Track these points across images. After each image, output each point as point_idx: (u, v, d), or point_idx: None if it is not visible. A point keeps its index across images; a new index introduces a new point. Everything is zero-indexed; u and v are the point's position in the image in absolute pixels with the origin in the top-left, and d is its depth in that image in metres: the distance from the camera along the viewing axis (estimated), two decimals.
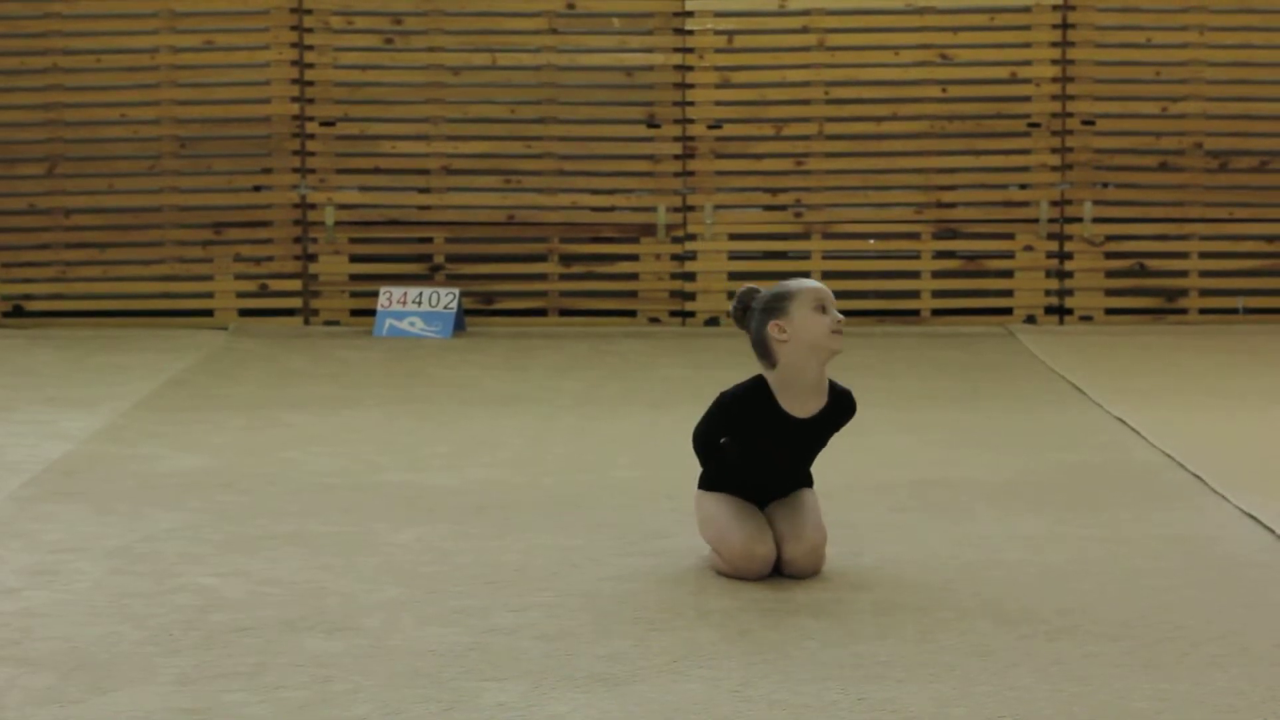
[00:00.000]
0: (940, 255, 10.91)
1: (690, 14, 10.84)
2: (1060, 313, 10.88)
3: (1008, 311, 10.90)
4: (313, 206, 10.90)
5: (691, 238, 10.91)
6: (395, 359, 9.62)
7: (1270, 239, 10.88)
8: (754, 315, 5.29)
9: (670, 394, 8.49)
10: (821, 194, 10.89)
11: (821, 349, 5.22)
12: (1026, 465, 6.84)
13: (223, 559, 5.47)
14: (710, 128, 10.89)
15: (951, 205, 10.89)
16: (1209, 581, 5.21)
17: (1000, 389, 8.63)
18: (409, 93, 10.89)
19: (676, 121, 10.89)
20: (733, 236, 10.94)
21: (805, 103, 10.87)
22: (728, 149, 10.91)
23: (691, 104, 10.88)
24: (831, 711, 4.12)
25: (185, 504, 6.19)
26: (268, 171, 10.90)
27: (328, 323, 10.91)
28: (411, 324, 10.48)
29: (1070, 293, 10.89)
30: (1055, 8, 10.79)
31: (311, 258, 10.92)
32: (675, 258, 10.92)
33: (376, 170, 10.92)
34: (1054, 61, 10.82)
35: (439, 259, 10.91)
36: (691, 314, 10.92)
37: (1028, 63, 10.83)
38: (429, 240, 10.92)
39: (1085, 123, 10.84)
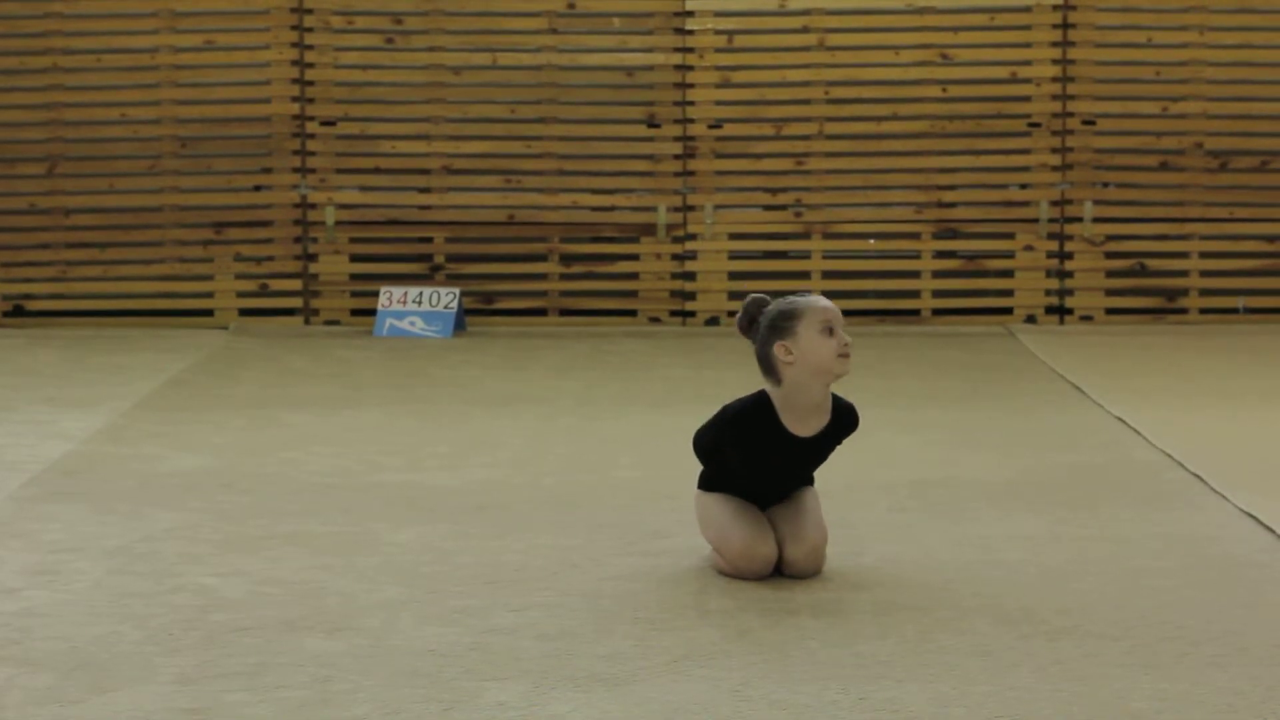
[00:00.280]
0: (940, 255, 10.92)
1: (690, 14, 10.84)
2: (1060, 313, 10.88)
3: (1008, 311, 10.90)
4: (313, 206, 10.90)
5: (692, 237, 10.91)
6: (395, 359, 9.62)
7: (1270, 239, 10.88)
8: (760, 330, 5.24)
9: (670, 394, 8.49)
10: (822, 194, 10.90)
11: (827, 373, 5.19)
12: (1026, 465, 6.83)
13: (223, 559, 5.47)
14: (710, 127, 10.89)
15: (952, 205, 10.89)
16: (1209, 581, 5.21)
17: (1000, 389, 8.63)
18: (409, 92, 10.90)
19: (677, 121, 10.89)
20: (733, 236, 10.94)
21: (805, 102, 10.88)
22: (728, 149, 10.91)
23: (692, 104, 10.88)
24: (831, 711, 4.12)
25: (185, 504, 6.19)
26: (268, 171, 10.90)
27: (328, 322, 10.91)
28: (412, 324, 10.48)
29: (1070, 293, 10.89)
30: (1055, 8, 10.79)
31: (312, 257, 10.92)
32: (675, 257, 10.92)
33: (377, 170, 10.92)
34: (1054, 61, 10.82)
35: (439, 259, 10.91)
36: (692, 314, 10.92)
37: (1028, 63, 10.83)
38: (429, 240, 10.93)
39: (1085, 123, 10.84)
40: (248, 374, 9.13)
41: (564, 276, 10.92)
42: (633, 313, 10.92)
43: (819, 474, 5.44)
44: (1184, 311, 10.87)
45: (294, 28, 10.85)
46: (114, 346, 10.00)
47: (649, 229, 10.91)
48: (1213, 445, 7.08)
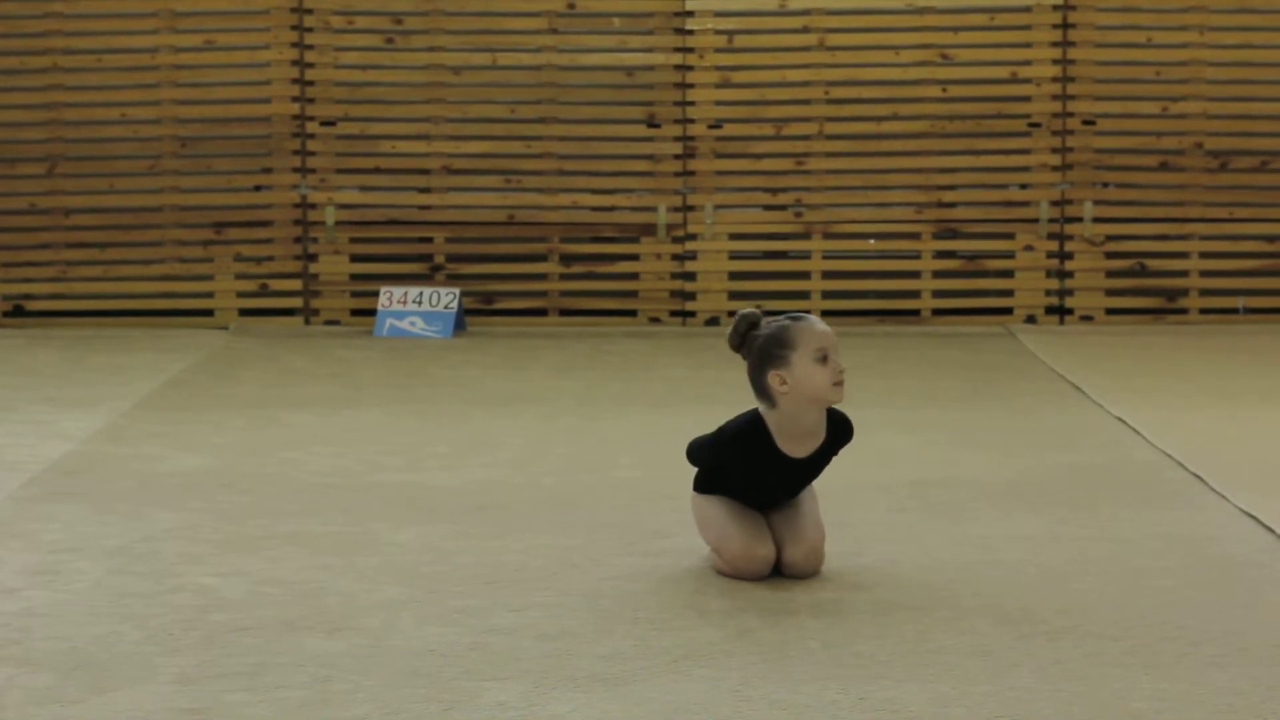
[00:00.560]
0: (940, 255, 10.92)
1: (690, 14, 10.84)
2: (1060, 313, 10.88)
3: (1008, 311, 10.90)
4: (313, 206, 10.90)
5: (692, 237, 10.91)
6: (396, 359, 9.62)
7: (1271, 239, 10.88)
8: (753, 353, 5.21)
9: (671, 394, 8.49)
10: (822, 194, 10.89)
11: (822, 401, 5.19)
12: (1026, 465, 6.83)
13: (223, 559, 5.47)
14: (710, 127, 10.89)
15: (952, 205, 10.89)
16: (1209, 581, 5.21)
17: (1000, 389, 8.63)
18: (409, 92, 10.89)
19: (677, 121, 10.89)
20: (733, 236, 10.94)
21: (805, 102, 10.88)
22: (728, 149, 10.91)
23: (692, 104, 10.88)
24: (831, 711, 4.12)
25: (185, 504, 6.19)
26: (268, 171, 10.90)
27: (328, 322, 10.91)
28: (412, 324, 10.48)
29: (1070, 293, 10.89)
30: (1056, 8, 10.79)
31: (312, 257, 10.92)
32: (675, 257, 10.92)
33: (377, 170, 10.92)
34: (1054, 61, 10.82)
35: (439, 259, 10.91)
36: (692, 314, 10.92)
37: (1028, 63, 10.83)
38: (429, 240, 10.93)
39: (1085, 123, 10.84)
40: (248, 374, 9.13)
41: (564, 276, 10.92)
42: (633, 313, 10.92)
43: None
44: (1184, 311, 10.87)
45: (294, 28, 10.85)
46: (114, 346, 10.00)
47: (649, 229, 10.91)
48: (1213, 445, 7.08)
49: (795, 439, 5.20)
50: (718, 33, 10.86)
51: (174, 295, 10.92)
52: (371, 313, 10.70)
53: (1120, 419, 7.69)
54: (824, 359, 5.12)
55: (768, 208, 10.95)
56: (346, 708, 4.14)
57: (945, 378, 8.97)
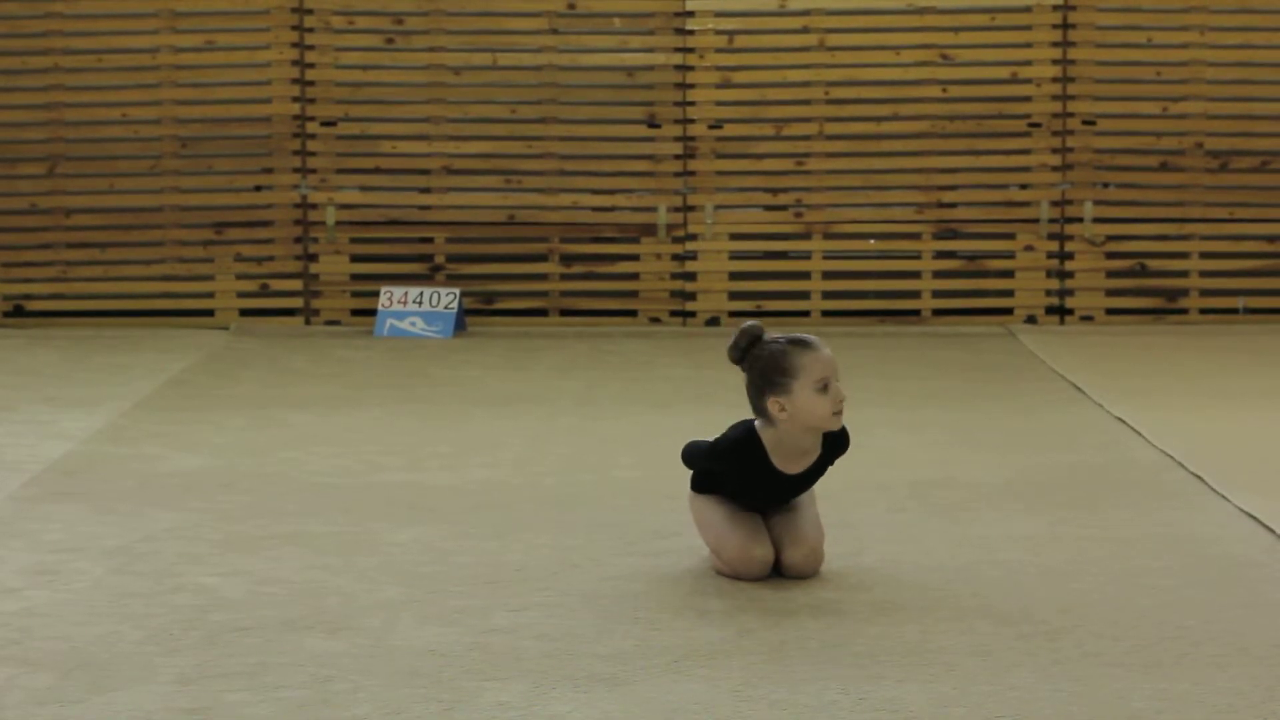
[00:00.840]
0: (941, 255, 10.91)
1: (691, 14, 10.84)
2: (1061, 313, 10.88)
3: (1008, 311, 10.90)
4: (313, 206, 10.90)
5: (692, 238, 10.91)
6: (396, 359, 9.63)
7: (1271, 239, 10.88)
8: (753, 374, 5.18)
9: (671, 394, 8.49)
10: (822, 194, 10.89)
11: (820, 429, 5.19)
12: (1026, 465, 6.83)
13: (223, 559, 5.47)
14: (711, 128, 10.89)
15: (952, 205, 10.89)
16: (1209, 581, 5.21)
17: (1000, 389, 8.63)
18: (410, 93, 10.90)
19: (677, 121, 10.89)
20: (733, 236, 10.94)
21: (806, 103, 10.88)
22: (728, 149, 10.91)
23: (692, 104, 10.88)
24: (831, 711, 4.12)
25: (185, 504, 6.19)
26: (268, 171, 10.90)
27: (328, 322, 10.91)
28: (412, 324, 10.48)
29: (1071, 293, 10.89)
30: (1056, 8, 10.79)
31: (312, 257, 10.92)
32: (676, 258, 10.92)
33: (377, 170, 10.92)
34: (1055, 61, 10.82)
35: (440, 259, 10.91)
36: (692, 314, 10.92)
37: (1028, 63, 10.83)
38: (430, 240, 10.93)
39: (1086, 123, 10.84)
40: (248, 374, 9.13)
41: (564, 277, 10.93)
42: (633, 313, 10.92)
43: None
44: (1184, 312, 10.87)
45: (294, 28, 10.85)
46: (114, 346, 10.00)
47: (649, 229, 10.91)
48: (1213, 445, 7.08)
49: (790, 457, 5.21)
50: (718, 33, 10.86)
51: (174, 295, 10.92)
52: (372, 313, 10.70)
53: (1120, 419, 7.69)
54: (825, 388, 5.11)
55: (768, 208, 10.95)
56: (346, 708, 4.14)
57: (945, 378, 8.97)
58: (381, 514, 6.06)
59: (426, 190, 10.92)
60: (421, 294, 10.55)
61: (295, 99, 10.86)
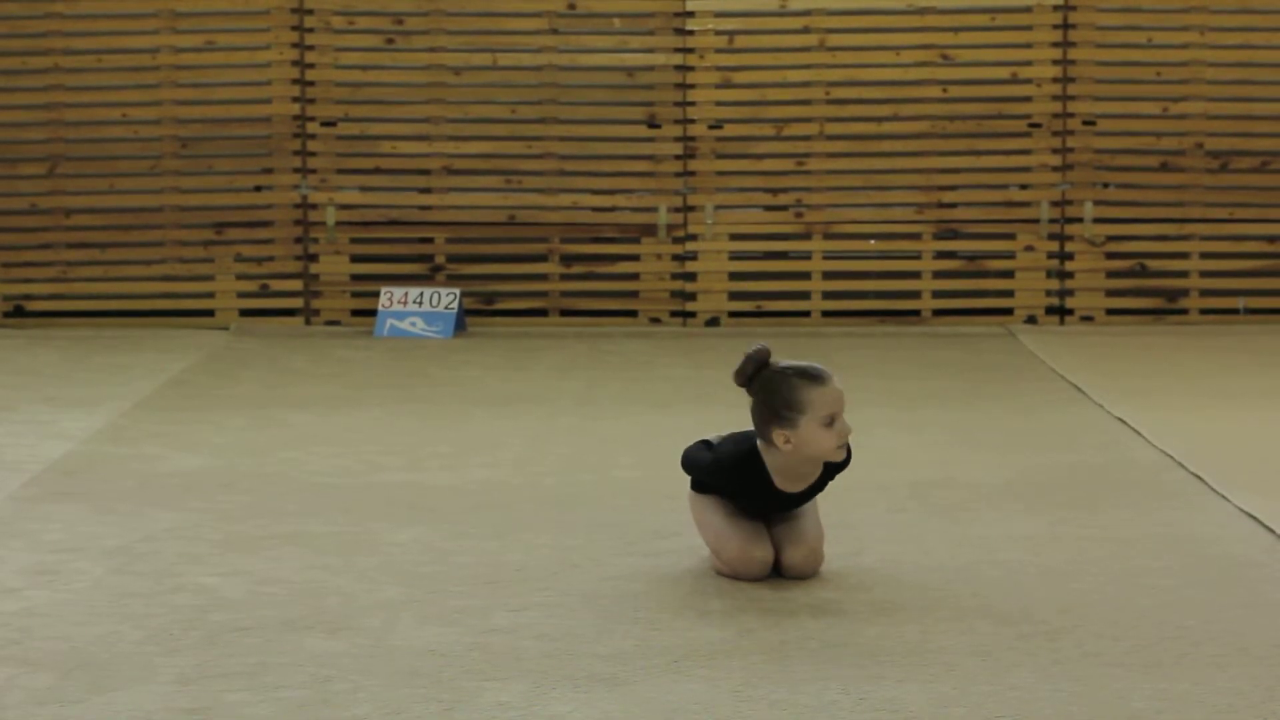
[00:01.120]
0: (941, 255, 10.91)
1: (691, 14, 10.84)
2: (1061, 313, 10.88)
3: (1008, 312, 10.90)
4: (314, 206, 10.90)
5: (692, 238, 10.91)
6: (396, 359, 9.63)
7: (1271, 239, 10.88)
8: (760, 398, 5.14)
9: (671, 394, 8.49)
10: (822, 194, 10.89)
11: (822, 461, 5.20)
12: (1026, 465, 6.83)
13: (223, 559, 5.47)
14: (711, 128, 10.89)
15: (952, 205, 10.89)
16: (1209, 581, 5.21)
17: (1000, 389, 8.63)
18: (410, 93, 10.90)
19: (677, 121, 10.89)
20: (734, 237, 10.94)
21: (806, 103, 10.88)
22: (728, 149, 10.91)
23: (692, 104, 10.88)
24: (831, 711, 4.12)
25: (185, 504, 6.19)
26: (269, 171, 10.90)
27: (329, 323, 10.91)
28: (412, 324, 10.48)
29: (1071, 293, 10.89)
30: (1056, 8, 10.79)
31: (312, 258, 10.92)
32: (676, 258, 10.92)
33: (377, 170, 10.92)
34: (1055, 62, 10.82)
35: (440, 259, 10.91)
36: (692, 314, 10.92)
37: (1028, 63, 10.83)
38: (430, 240, 10.93)
39: (1086, 123, 10.84)
40: (248, 374, 9.13)
41: (564, 277, 10.93)
42: (633, 313, 10.92)
43: None
44: (1184, 312, 10.87)
45: (294, 28, 10.85)
46: (114, 346, 10.00)
47: (649, 229, 10.91)
48: (1213, 445, 7.08)
49: (791, 479, 5.22)
50: (718, 33, 10.86)
51: (175, 295, 10.92)
52: (372, 313, 10.70)
53: (1120, 419, 7.69)
54: (831, 422, 5.11)
55: (768, 208, 10.95)
56: (346, 708, 4.14)
57: (945, 378, 8.97)
58: (381, 514, 6.06)
59: (427, 190, 10.92)
60: (421, 294, 10.55)
61: (295, 99, 10.86)
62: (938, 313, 10.89)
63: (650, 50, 10.87)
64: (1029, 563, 5.43)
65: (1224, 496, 6.23)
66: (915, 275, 10.91)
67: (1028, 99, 10.84)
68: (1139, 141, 10.86)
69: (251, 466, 6.84)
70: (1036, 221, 10.87)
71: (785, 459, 5.16)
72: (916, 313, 10.89)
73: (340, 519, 5.99)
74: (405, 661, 4.47)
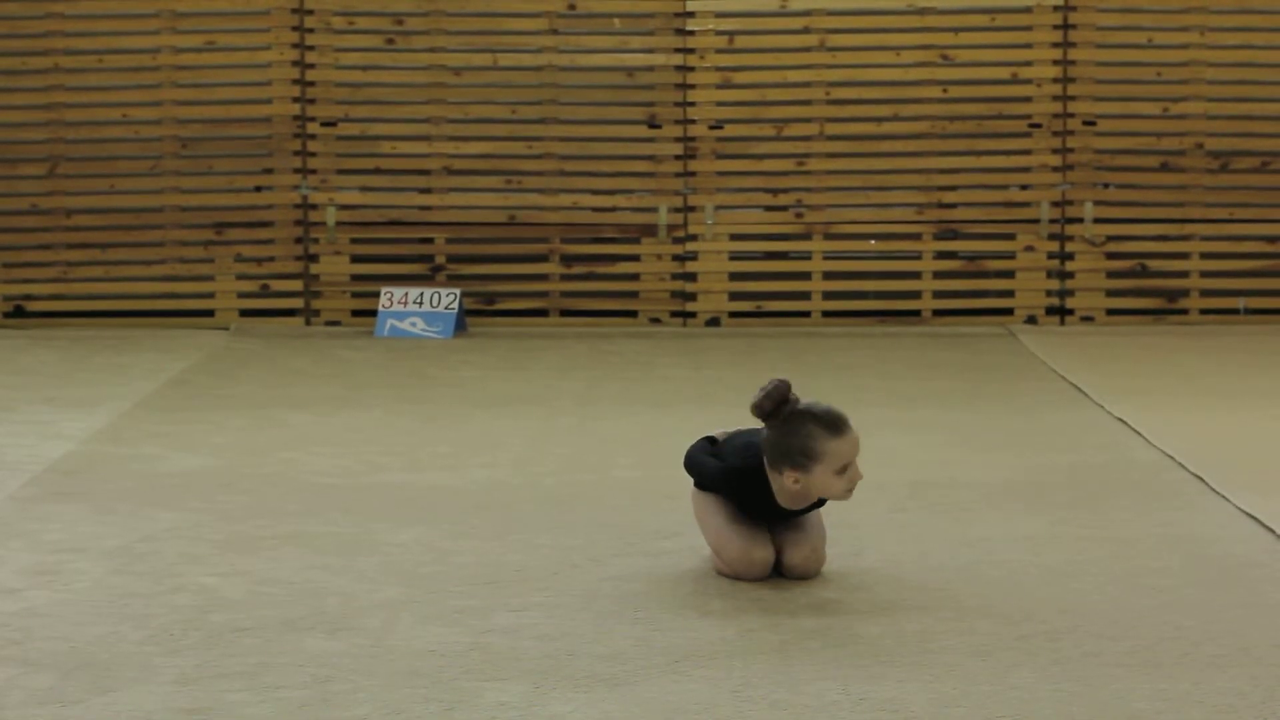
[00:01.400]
0: (941, 256, 10.91)
1: (691, 14, 10.84)
2: (1061, 313, 10.88)
3: (1008, 312, 10.90)
4: (314, 207, 10.90)
5: (693, 238, 10.91)
6: (396, 359, 9.62)
7: (1271, 239, 10.87)
8: (775, 436, 5.11)
9: (671, 394, 8.49)
10: (823, 194, 10.89)
11: (828, 500, 5.23)
12: (1026, 465, 6.84)
13: (223, 559, 5.47)
14: (711, 128, 10.89)
15: (952, 206, 10.89)
16: (1209, 581, 5.21)
17: (1001, 389, 8.63)
18: (410, 93, 10.89)
19: (677, 122, 10.89)
20: (734, 237, 10.94)
21: (806, 103, 10.87)
22: (729, 149, 10.91)
23: (692, 104, 10.88)
24: (831, 711, 4.12)
25: (185, 504, 6.19)
26: (269, 172, 10.90)
27: (329, 323, 10.91)
28: (413, 324, 10.48)
29: (1071, 293, 10.89)
30: (1056, 8, 10.78)
31: (313, 258, 10.92)
32: (676, 258, 10.92)
33: (378, 171, 10.92)
34: (1055, 62, 10.82)
35: (440, 259, 10.91)
36: (692, 314, 10.91)
37: (1029, 63, 10.83)
38: (430, 240, 10.93)
39: (1086, 123, 10.83)
40: (248, 374, 9.13)
41: (564, 277, 10.92)
42: (633, 313, 10.92)
43: None
44: (1184, 312, 10.87)
45: (295, 28, 10.85)
46: (115, 347, 10.00)
47: (650, 229, 10.91)
48: (1213, 445, 7.08)
49: (793, 502, 5.23)
50: (718, 33, 10.86)
51: (175, 296, 10.92)
52: (372, 313, 10.70)
53: (1120, 419, 7.69)
54: (843, 470, 5.12)
55: (768, 208, 10.95)
56: (346, 708, 4.14)
57: (945, 378, 8.96)
58: (381, 514, 6.06)
59: (427, 191, 10.92)
60: (422, 294, 10.55)
61: (295, 99, 10.86)
62: (938, 313, 10.89)
63: (650, 50, 10.87)
64: (1029, 563, 5.43)
65: (1224, 496, 6.23)
66: (915, 275, 10.91)
67: (1028, 99, 10.84)
68: (1139, 142, 10.86)
69: (251, 466, 6.84)
70: (1037, 222, 10.87)
71: (791, 491, 5.18)
72: (917, 313, 10.89)
73: (340, 519, 5.99)
74: (405, 662, 4.47)
